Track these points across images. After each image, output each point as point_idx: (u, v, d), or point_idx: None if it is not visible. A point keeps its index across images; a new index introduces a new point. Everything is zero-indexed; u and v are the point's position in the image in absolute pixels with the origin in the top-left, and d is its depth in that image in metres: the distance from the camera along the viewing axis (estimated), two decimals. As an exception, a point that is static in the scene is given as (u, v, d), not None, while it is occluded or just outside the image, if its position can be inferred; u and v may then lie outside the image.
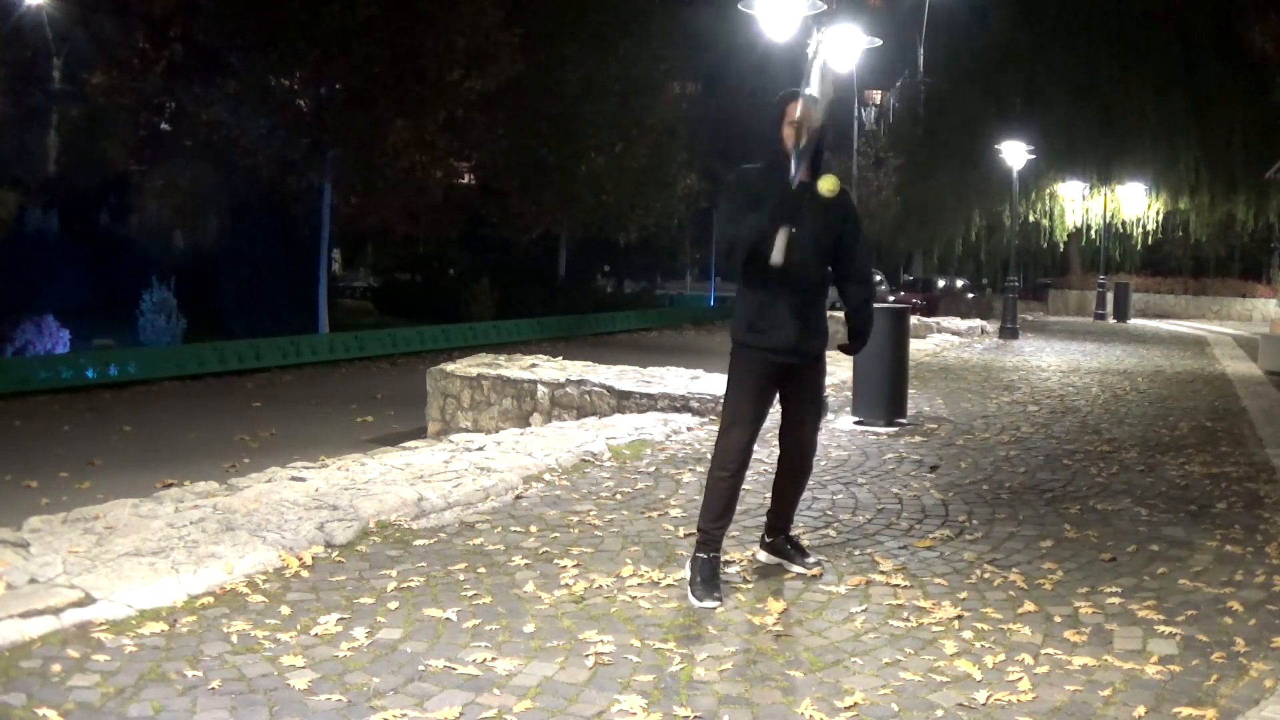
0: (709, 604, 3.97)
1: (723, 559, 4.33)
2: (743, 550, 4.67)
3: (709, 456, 6.79)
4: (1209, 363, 15.42)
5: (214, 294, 22.42)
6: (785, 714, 3.11)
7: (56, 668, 3.21)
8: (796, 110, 4.00)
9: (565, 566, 4.38)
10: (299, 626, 3.63)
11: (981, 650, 3.59)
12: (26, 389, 15.55)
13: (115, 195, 25.80)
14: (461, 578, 4.22)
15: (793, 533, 4.62)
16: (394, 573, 4.24)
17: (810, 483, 6.10)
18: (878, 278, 27.91)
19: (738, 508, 4.43)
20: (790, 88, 4.15)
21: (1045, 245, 36.23)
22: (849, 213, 4.28)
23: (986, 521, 5.35)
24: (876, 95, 46.25)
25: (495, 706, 3.08)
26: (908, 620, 3.87)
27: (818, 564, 4.44)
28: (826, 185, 4.00)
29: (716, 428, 7.77)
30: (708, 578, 4.07)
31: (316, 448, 9.64)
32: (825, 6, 9.12)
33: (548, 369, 10.00)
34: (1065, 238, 35.77)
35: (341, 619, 3.71)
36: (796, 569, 4.40)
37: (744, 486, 4.48)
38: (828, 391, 9.08)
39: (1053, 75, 31.52)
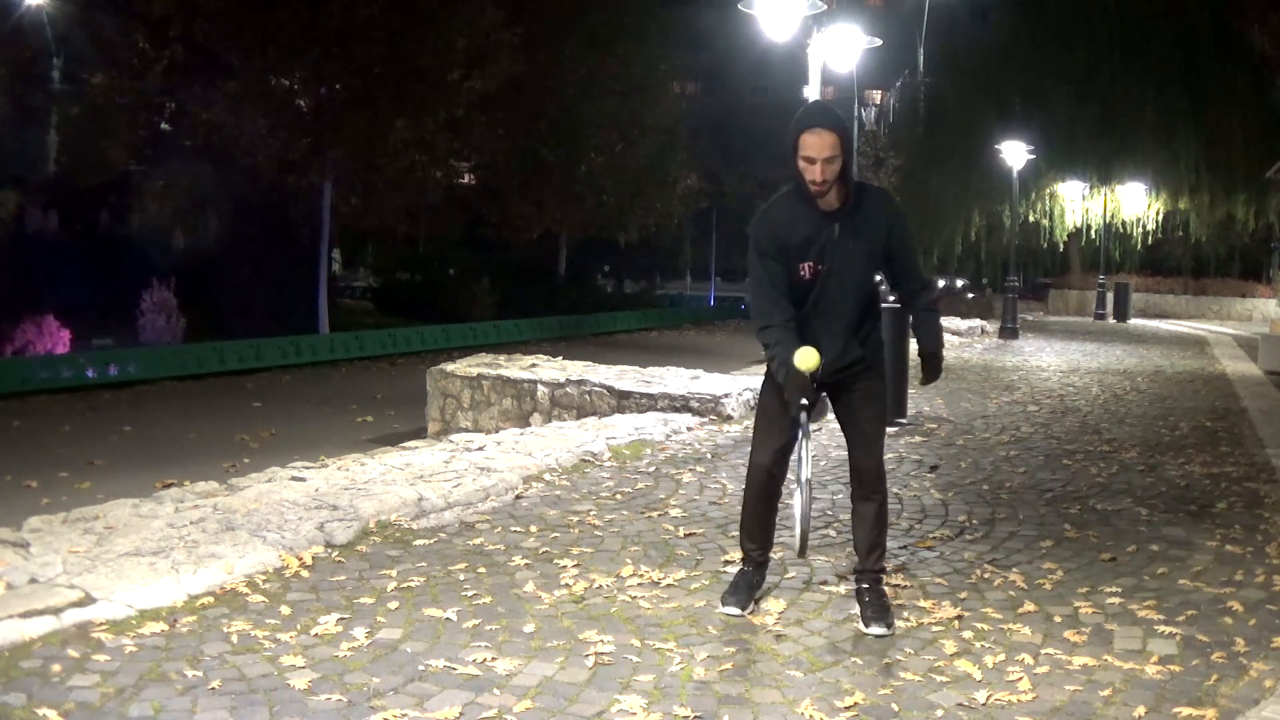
0: (726, 609, 3.89)
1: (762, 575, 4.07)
2: (739, 550, 4.65)
3: (709, 456, 6.83)
4: (1209, 363, 15.42)
5: (214, 294, 22.41)
6: (785, 714, 3.11)
7: (56, 668, 3.21)
8: (812, 143, 3.59)
9: (565, 566, 4.38)
10: (299, 626, 3.63)
11: (981, 650, 3.59)
12: (26, 389, 15.54)
13: (115, 195, 25.80)
14: (461, 578, 4.22)
15: (886, 568, 4.08)
16: (394, 573, 4.24)
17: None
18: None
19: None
20: (805, 111, 3.74)
21: (1045, 245, 36.22)
22: (895, 224, 3.82)
23: (986, 521, 5.34)
24: (876, 95, 46.26)
25: (495, 706, 3.08)
26: (908, 620, 3.86)
27: (887, 629, 3.73)
28: (804, 363, 3.59)
29: (716, 427, 7.81)
30: (736, 585, 3.98)
31: (316, 448, 9.63)
32: (825, 6, 9.11)
33: (548, 369, 10.00)
34: (1065, 238, 35.77)
35: (341, 619, 3.71)
36: (859, 624, 3.81)
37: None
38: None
39: (1053, 75, 31.53)
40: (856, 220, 3.72)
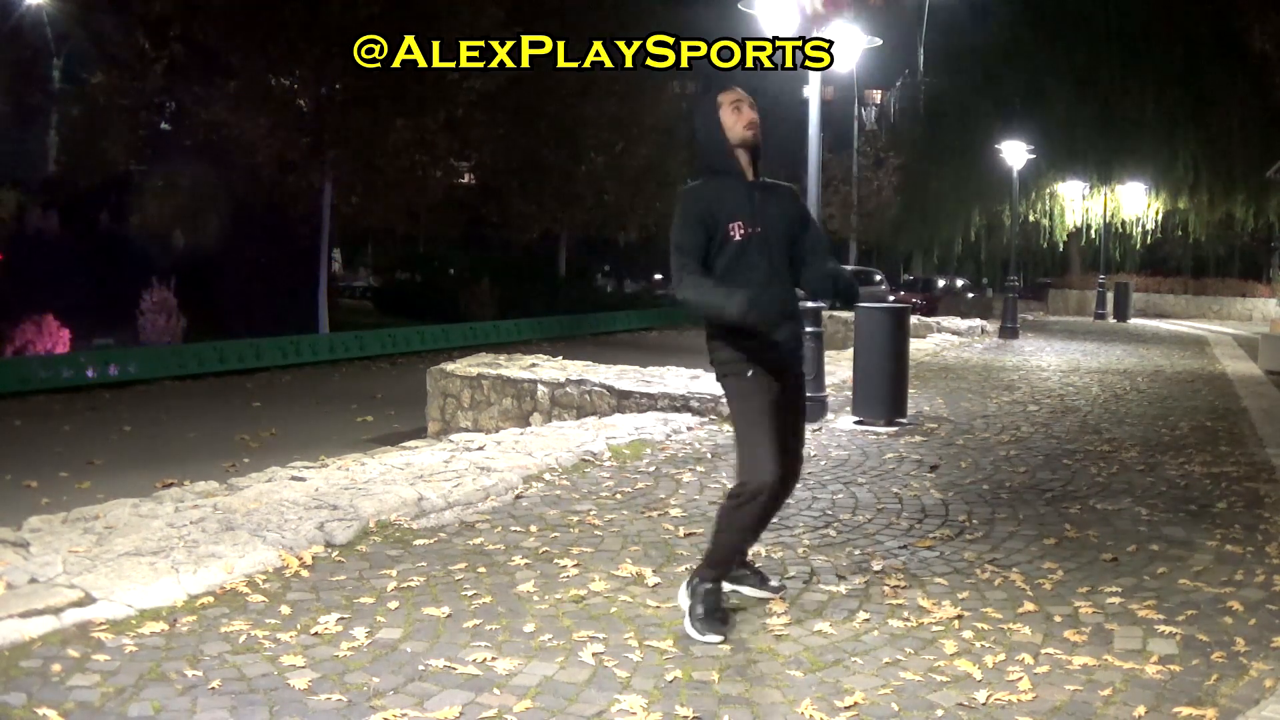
0: (708, 637, 3.81)
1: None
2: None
3: (709, 456, 6.83)
4: (1209, 362, 15.41)
5: (214, 294, 22.43)
6: (785, 714, 3.10)
7: (56, 667, 3.21)
8: (734, 95, 3.78)
9: (565, 566, 4.38)
10: (299, 626, 3.63)
11: (981, 650, 3.59)
12: (26, 389, 15.56)
13: (115, 195, 25.81)
14: (461, 578, 4.22)
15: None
16: (394, 572, 4.24)
17: (810, 482, 6.12)
18: (877, 277, 27.84)
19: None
20: (707, 85, 3.95)
21: (1045, 245, 36.27)
22: (802, 203, 4.04)
23: (986, 521, 5.34)
24: (876, 95, 46.22)
25: (495, 706, 3.08)
26: (908, 620, 3.86)
27: (782, 586, 4.12)
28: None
29: (716, 427, 7.80)
30: (717, 609, 3.91)
31: (316, 448, 9.63)
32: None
33: (548, 369, 10.00)
34: (1065, 237, 35.81)
35: (341, 619, 3.71)
36: (759, 593, 4.05)
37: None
38: (828, 391, 9.07)
39: (1053, 75, 31.55)
40: (769, 191, 3.89)
